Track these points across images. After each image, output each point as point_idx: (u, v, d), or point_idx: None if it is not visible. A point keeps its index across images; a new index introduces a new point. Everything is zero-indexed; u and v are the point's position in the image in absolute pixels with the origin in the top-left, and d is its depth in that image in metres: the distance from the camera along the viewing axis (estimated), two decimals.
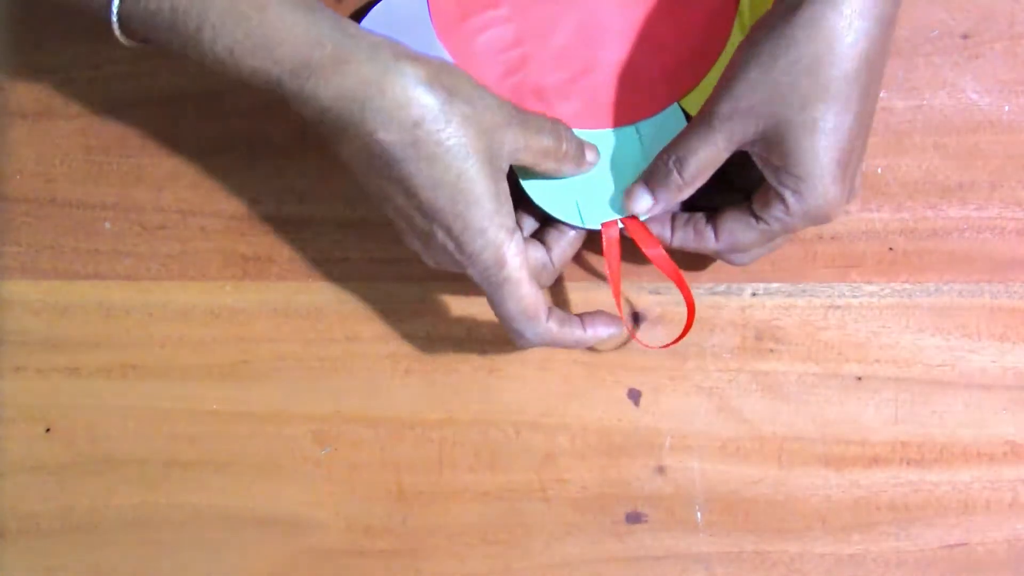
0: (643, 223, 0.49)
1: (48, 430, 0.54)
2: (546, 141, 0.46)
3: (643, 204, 0.48)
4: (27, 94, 0.54)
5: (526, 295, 0.45)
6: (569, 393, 0.53)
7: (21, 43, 0.54)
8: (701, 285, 0.53)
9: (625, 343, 0.53)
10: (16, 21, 0.54)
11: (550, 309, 0.47)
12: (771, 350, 0.53)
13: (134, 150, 0.54)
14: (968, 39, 0.52)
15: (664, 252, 0.49)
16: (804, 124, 0.43)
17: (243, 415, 0.54)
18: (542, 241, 0.49)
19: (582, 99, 0.50)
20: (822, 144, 0.43)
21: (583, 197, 0.49)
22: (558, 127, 0.47)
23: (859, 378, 0.53)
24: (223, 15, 0.42)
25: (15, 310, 0.54)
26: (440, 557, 0.54)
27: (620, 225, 0.49)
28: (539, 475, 0.54)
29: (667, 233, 0.49)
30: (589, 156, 0.49)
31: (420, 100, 0.42)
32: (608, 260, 0.49)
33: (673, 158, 0.46)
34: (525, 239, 0.48)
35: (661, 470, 0.53)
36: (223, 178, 0.54)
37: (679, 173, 0.46)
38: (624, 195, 0.48)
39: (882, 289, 0.53)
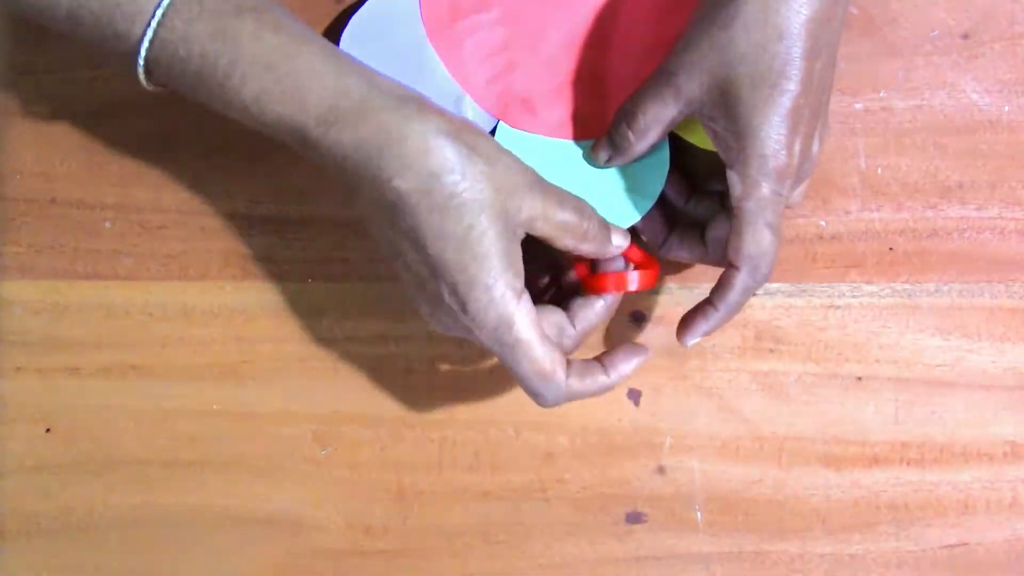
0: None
1: (48, 430, 0.54)
2: (566, 216, 0.45)
3: (602, 156, 0.48)
4: (27, 94, 0.54)
5: (539, 357, 0.44)
6: None
7: (21, 43, 0.54)
8: (701, 285, 0.53)
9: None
10: (16, 21, 0.54)
11: (569, 364, 0.45)
12: (771, 350, 0.53)
13: (134, 150, 0.54)
14: (968, 39, 0.52)
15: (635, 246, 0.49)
16: (741, 79, 0.43)
17: (243, 415, 0.54)
18: (565, 309, 0.48)
19: (568, 108, 0.50)
20: (762, 98, 0.43)
21: None
22: (582, 204, 0.46)
23: (859, 378, 0.53)
24: (253, 62, 0.42)
25: (15, 310, 0.54)
26: (440, 557, 0.54)
27: None
28: (539, 475, 0.54)
29: (715, 316, 0.47)
30: (616, 239, 0.48)
31: (439, 151, 0.42)
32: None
33: (624, 112, 0.47)
34: (542, 304, 0.47)
35: (661, 470, 0.53)
36: (223, 178, 0.54)
37: (628, 127, 0.47)
38: (590, 148, 0.49)
39: (882, 289, 0.53)
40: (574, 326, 0.48)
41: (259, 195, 0.54)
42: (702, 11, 0.45)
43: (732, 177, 0.44)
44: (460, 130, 0.43)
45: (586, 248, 0.46)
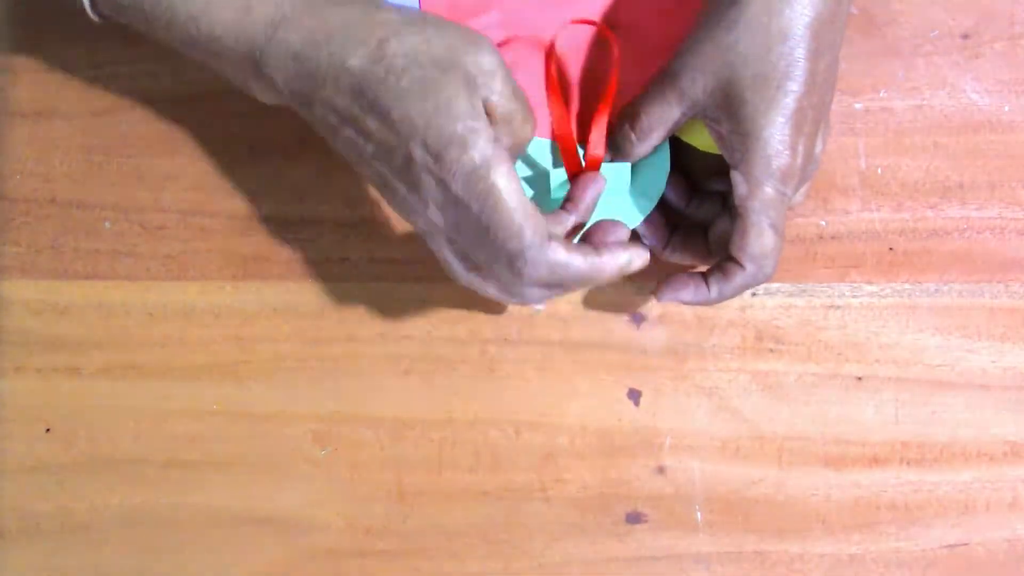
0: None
1: (48, 430, 0.54)
2: (520, 102, 0.44)
3: (601, 153, 0.49)
4: (27, 94, 0.54)
5: (522, 204, 0.42)
6: (569, 393, 0.53)
7: (21, 43, 0.54)
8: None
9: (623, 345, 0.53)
10: (16, 21, 0.54)
11: (552, 235, 0.43)
12: (771, 350, 0.53)
13: (134, 150, 0.54)
14: (968, 39, 0.52)
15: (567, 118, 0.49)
16: (745, 80, 0.43)
17: (243, 415, 0.54)
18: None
19: (569, 109, 0.50)
20: (766, 100, 0.43)
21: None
22: (529, 114, 0.45)
23: (859, 378, 0.53)
24: None
25: (15, 310, 0.54)
26: (440, 557, 0.54)
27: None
28: (539, 475, 0.54)
29: (704, 292, 0.47)
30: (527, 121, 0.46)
31: (385, 22, 0.42)
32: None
33: (627, 113, 0.47)
34: None
35: (661, 470, 0.53)
36: (223, 178, 0.54)
37: (631, 127, 0.47)
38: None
39: (882, 289, 0.53)
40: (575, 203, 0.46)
41: (259, 195, 0.54)
42: (705, 13, 0.45)
43: (736, 178, 0.44)
44: (403, 7, 0.43)
45: (517, 150, 0.46)
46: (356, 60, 0.42)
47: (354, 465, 0.54)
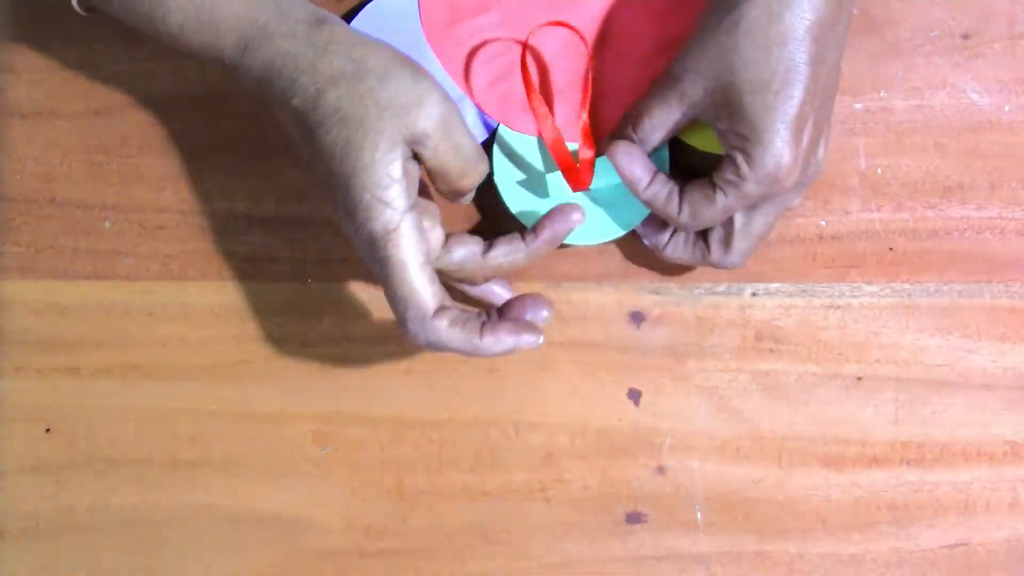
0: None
1: (48, 430, 0.54)
2: (456, 160, 0.45)
3: (589, 155, 0.49)
4: (27, 94, 0.54)
5: (412, 279, 0.43)
6: (569, 393, 0.53)
7: (21, 43, 0.54)
8: (701, 285, 0.53)
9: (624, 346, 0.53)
10: (16, 21, 0.54)
11: (443, 306, 0.44)
12: (771, 350, 0.53)
13: (134, 150, 0.54)
14: (968, 39, 0.52)
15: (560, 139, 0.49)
16: (745, 84, 0.43)
17: (243, 415, 0.54)
18: (489, 242, 0.48)
19: (566, 111, 0.50)
20: (766, 105, 0.43)
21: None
22: (481, 157, 0.46)
23: (859, 378, 0.53)
24: None
25: (15, 310, 0.54)
26: (440, 557, 0.54)
27: (603, 240, 0.50)
28: (539, 475, 0.54)
29: (644, 182, 0.47)
30: (463, 195, 0.47)
31: (324, 69, 0.43)
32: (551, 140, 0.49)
33: (630, 115, 0.47)
34: (461, 233, 0.47)
35: (661, 470, 0.53)
36: (223, 178, 0.54)
37: (633, 129, 0.47)
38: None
39: (882, 289, 0.53)
40: (485, 256, 0.47)
41: (259, 195, 0.54)
42: (706, 16, 0.45)
43: (727, 166, 0.45)
44: (351, 45, 0.44)
45: (457, 194, 0.47)
46: (297, 102, 0.44)
47: (354, 465, 0.54)
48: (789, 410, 0.53)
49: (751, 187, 0.45)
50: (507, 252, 0.47)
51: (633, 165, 0.47)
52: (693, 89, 0.45)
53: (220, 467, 0.54)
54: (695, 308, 0.53)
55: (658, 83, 0.46)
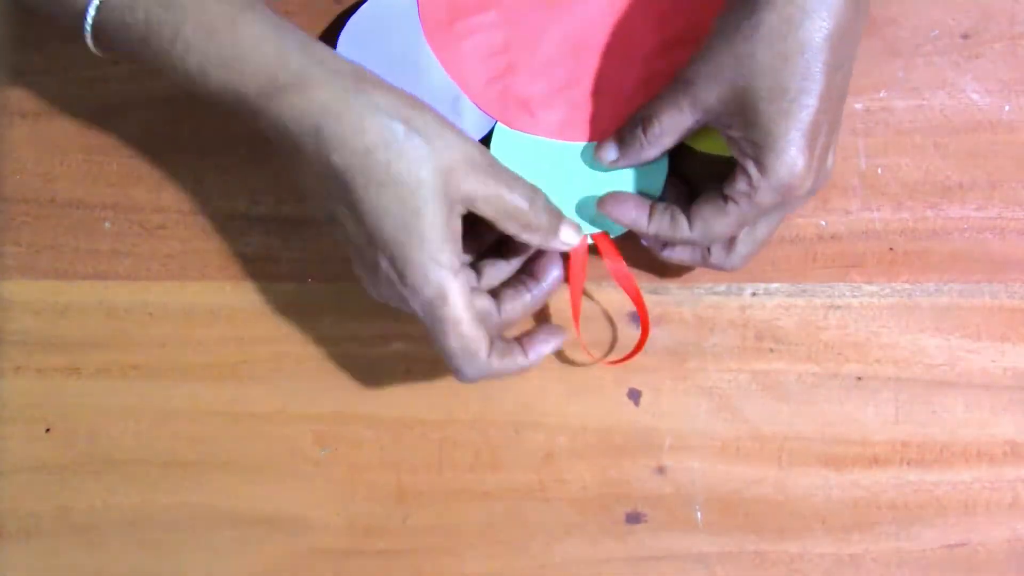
0: (610, 239, 0.49)
1: (48, 430, 0.54)
2: (515, 202, 0.45)
3: (608, 155, 0.49)
4: (27, 94, 0.54)
5: (466, 333, 0.45)
6: (569, 393, 0.53)
7: (21, 43, 0.54)
8: (701, 285, 0.53)
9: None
10: (16, 21, 0.54)
11: (492, 342, 0.46)
12: (771, 350, 0.53)
13: (134, 150, 0.54)
14: (968, 39, 0.52)
15: (625, 267, 0.50)
16: (761, 91, 0.43)
17: (243, 415, 0.54)
18: (495, 296, 0.48)
19: (566, 110, 0.50)
20: (781, 112, 0.43)
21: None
22: (535, 193, 0.46)
23: (859, 378, 0.53)
24: (196, 30, 0.43)
25: (15, 310, 0.54)
26: (440, 557, 0.54)
27: (589, 241, 0.50)
28: (539, 475, 0.54)
29: (644, 220, 0.48)
30: (565, 235, 0.48)
31: (374, 128, 0.43)
32: (572, 273, 0.49)
33: (640, 117, 0.47)
34: (472, 288, 0.47)
35: (661, 470, 0.53)
36: (223, 178, 0.54)
37: (643, 131, 0.47)
38: (595, 147, 0.49)
39: (882, 289, 0.53)
40: (500, 314, 0.48)
41: (259, 195, 0.54)
42: (722, 21, 0.44)
43: (740, 177, 0.45)
44: (398, 105, 0.43)
45: (529, 238, 0.46)
46: (338, 159, 0.43)
47: (354, 465, 0.54)
48: (789, 410, 0.53)
49: (765, 196, 0.44)
50: (516, 306, 0.49)
51: (626, 210, 0.48)
52: (707, 94, 0.44)
53: (220, 467, 0.54)
54: (695, 308, 0.53)
55: (671, 87, 0.46)
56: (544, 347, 0.48)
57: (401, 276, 0.44)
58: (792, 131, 0.43)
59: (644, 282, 0.53)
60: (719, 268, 0.49)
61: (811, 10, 0.42)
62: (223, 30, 0.43)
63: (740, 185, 0.45)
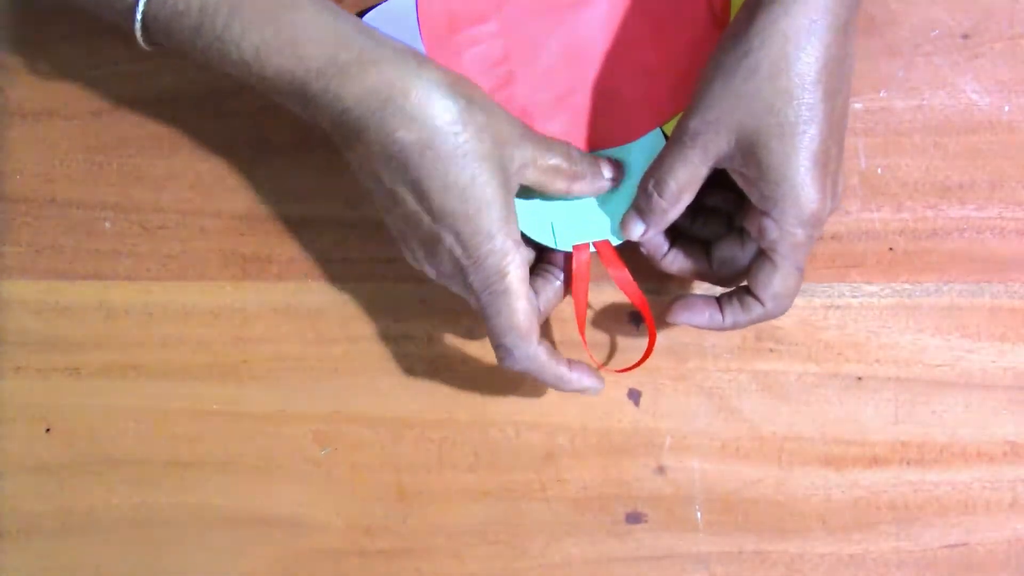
0: (613, 247, 0.49)
1: (48, 430, 0.54)
2: (555, 160, 0.47)
3: (636, 230, 0.48)
4: (27, 94, 0.54)
5: (522, 310, 0.45)
6: (569, 393, 0.53)
7: (21, 43, 0.54)
8: (701, 285, 0.53)
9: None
10: (16, 21, 0.54)
11: (542, 336, 0.46)
12: (771, 350, 0.53)
13: (134, 150, 0.54)
14: (968, 39, 0.52)
15: (628, 275, 0.50)
16: (770, 129, 0.43)
17: (243, 415, 0.54)
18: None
19: (566, 120, 0.50)
20: (792, 147, 0.43)
21: (559, 219, 0.49)
22: (569, 148, 0.48)
23: (859, 378, 0.53)
24: (253, 14, 0.43)
25: (15, 310, 0.54)
26: (440, 557, 0.54)
27: (592, 249, 0.49)
28: (539, 475, 0.54)
29: (719, 316, 0.48)
30: (607, 172, 0.49)
31: (441, 104, 0.43)
32: (575, 284, 0.49)
33: (652, 181, 0.47)
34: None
35: (661, 470, 0.53)
36: (223, 178, 0.54)
37: (660, 195, 0.46)
38: (619, 225, 0.49)
39: (882, 289, 0.53)
40: (539, 307, 0.48)
41: (259, 195, 0.54)
42: (716, 64, 0.44)
43: (766, 223, 0.44)
44: (457, 82, 0.44)
45: (579, 187, 0.48)
46: (405, 134, 0.43)
47: (354, 465, 0.54)
48: (789, 410, 0.53)
49: (797, 235, 0.44)
50: (550, 295, 0.49)
51: (699, 313, 0.48)
52: (716, 142, 0.44)
53: (220, 467, 0.54)
54: None
55: (675, 141, 0.46)
56: (586, 379, 0.48)
57: (466, 248, 0.44)
58: (805, 162, 0.43)
59: (644, 282, 0.53)
60: (721, 284, 0.50)
61: (803, 44, 0.42)
62: (280, 13, 0.43)
63: (771, 234, 0.45)
